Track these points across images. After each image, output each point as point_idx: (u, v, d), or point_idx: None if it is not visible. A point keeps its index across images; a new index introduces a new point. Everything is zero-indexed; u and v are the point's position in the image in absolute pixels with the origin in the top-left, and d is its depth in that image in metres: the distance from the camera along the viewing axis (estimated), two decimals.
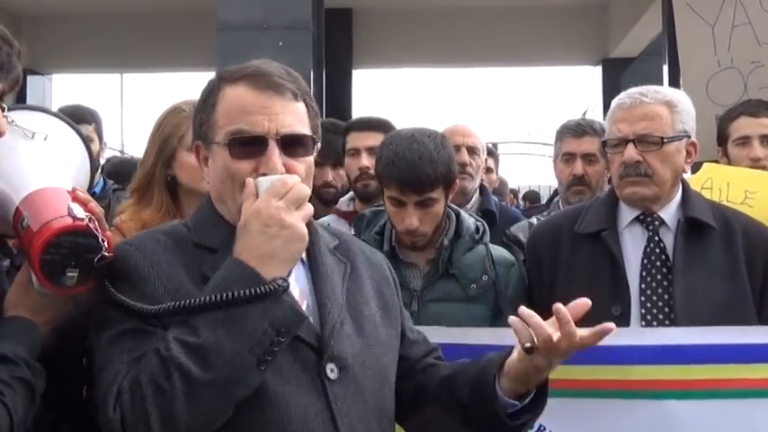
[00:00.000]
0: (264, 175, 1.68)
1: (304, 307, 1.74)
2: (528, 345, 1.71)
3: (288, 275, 1.62)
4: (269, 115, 1.71)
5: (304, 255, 1.79)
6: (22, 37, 11.23)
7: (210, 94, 1.80)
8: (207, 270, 1.66)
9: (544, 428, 2.40)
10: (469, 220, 2.81)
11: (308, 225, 1.72)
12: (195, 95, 2.83)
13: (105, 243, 1.66)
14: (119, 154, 10.48)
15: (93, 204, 1.78)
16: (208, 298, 1.56)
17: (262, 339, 1.56)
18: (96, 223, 1.68)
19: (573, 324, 1.71)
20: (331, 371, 1.70)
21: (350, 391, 1.71)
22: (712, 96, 2.90)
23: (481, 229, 2.81)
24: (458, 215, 2.79)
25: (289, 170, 1.70)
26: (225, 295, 1.55)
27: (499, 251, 2.82)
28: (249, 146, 1.70)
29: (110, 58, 11.85)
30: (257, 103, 1.72)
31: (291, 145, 1.72)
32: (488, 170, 5.59)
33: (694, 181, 3.00)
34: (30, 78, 11.78)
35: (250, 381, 1.58)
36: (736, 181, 3.09)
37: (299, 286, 1.76)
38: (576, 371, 2.38)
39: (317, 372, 1.70)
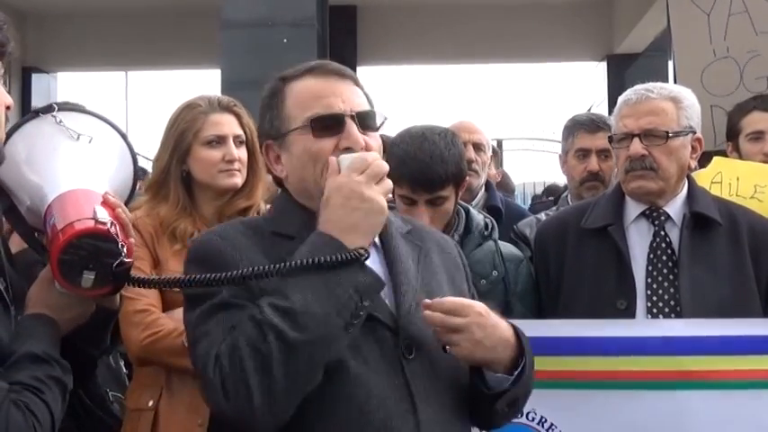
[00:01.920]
0: (347, 150, 1.78)
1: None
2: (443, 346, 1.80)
3: (368, 247, 1.71)
4: (340, 96, 1.83)
5: (378, 240, 1.87)
6: (27, 35, 11.26)
7: (274, 94, 1.89)
8: (285, 254, 1.71)
9: (545, 420, 2.41)
10: (478, 217, 2.82)
11: None
12: (201, 93, 2.88)
13: (125, 249, 1.68)
14: None
15: (121, 210, 1.79)
16: (299, 261, 1.63)
17: (347, 303, 1.63)
18: (118, 228, 1.69)
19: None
20: (407, 350, 1.77)
21: (425, 369, 1.78)
22: (707, 86, 2.83)
23: (490, 226, 2.83)
24: (467, 212, 2.80)
25: (366, 144, 1.80)
26: (316, 259, 1.62)
27: (508, 247, 2.83)
28: (329, 125, 1.81)
29: (114, 55, 11.87)
30: (327, 88, 1.84)
31: (365, 121, 1.84)
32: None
33: (704, 176, 2.99)
34: (34, 76, 11.81)
35: (339, 343, 1.66)
36: (745, 175, 3.08)
37: (374, 269, 1.83)
38: (585, 362, 2.42)
39: (395, 351, 1.76)
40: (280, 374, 1.59)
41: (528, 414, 2.40)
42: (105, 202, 1.77)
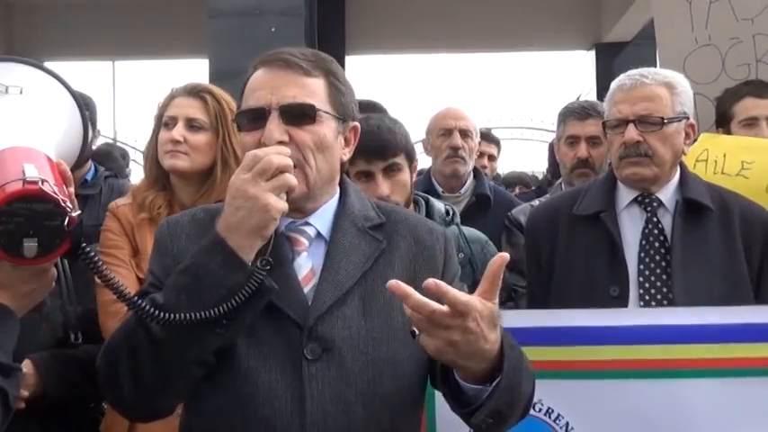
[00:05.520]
0: (264, 145, 1.73)
1: (311, 285, 1.77)
2: (411, 329, 1.59)
3: (268, 251, 1.66)
4: (272, 89, 1.76)
5: (327, 234, 1.82)
6: (14, 25, 11.19)
7: (243, 85, 1.87)
8: None
9: (552, 410, 2.41)
10: (439, 204, 2.86)
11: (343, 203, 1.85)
12: (189, 82, 2.88)
13: (67, 204, 1.46)
14: (111, 141, 10.44)
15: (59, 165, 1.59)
16: (178, 316, 1.59)
17: (220, 306, 1.60)
18: (52, 186, 1.46)
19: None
20: (311, 351, 1.71)
21: (330, 372, 1.72)
22: (690, 74, 2.81)
23: (451, 212, 2.87)
24: (427, 201, 2.84)
25: (293, 138, 1.74)
26: (209, 313, 1.59)
27: (471, 231, 2.87)
28: (254, 119, 1.77)
29: (102, 45, 11.81)
30: (264, 80, 1.79)
31: (293, 114, 1.76)
32: (491, 157, 5.59)
33: (689, 154, 2.98)
34: None
35: (206, 342, 1.65)
36: (732, 151, 3.06)
37: (312, 264, 1.80)
38: (582, 352, 2.40)
39: (298, 350, 1.72)
40: (147, 369, 1.63)
41: (535, 405, 2.38)
42: (38, 158, 1.55)
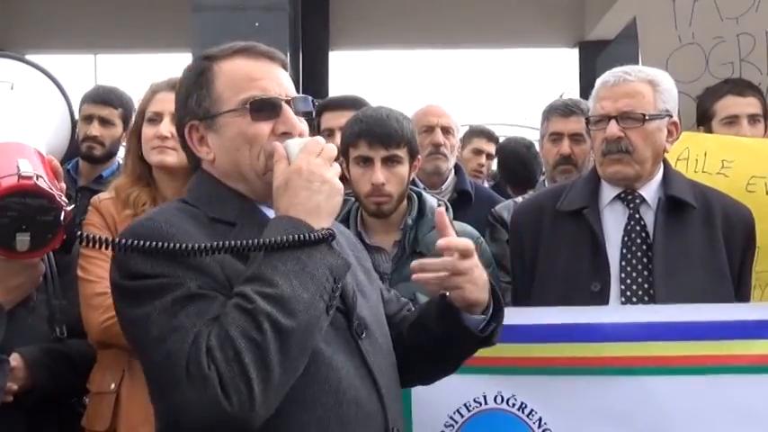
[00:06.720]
0: (285, 134, 1.75)
1: None
2: (441, 293, 1.83)
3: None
4: (274, 80, 1.81)
5: None
6: None
7: (202, 74, 1.83)
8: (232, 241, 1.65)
9: (525, 405, 2.43)
10: (432, 200, 2.86)
11: None
12: (171, 77, 2.87)
13: (62, 198, 1.48)
14: None
15: (49, 159, 1.62)
16: (277, 239, 1.58)
17: (326, 286, 1.62)
18: (46, 181, 1.49)
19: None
20: (358, 330, 1.79)
21: (374, 347, 1.82)
22: (673, 73, 2.82)
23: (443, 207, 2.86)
24: (419, 195, 2.84)
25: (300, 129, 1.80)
26: (295, 237, 1.59)
27: (463, 226, 2.85)
28: (266, 109, 1.78)
29: (84, 38, 11.72)
30: (259, 71, 1.81)
31: (299, 106, 1.82)
32: (489, 156, 5.59)
33: (670, 152, 3.00)
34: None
35: (322, 326, 1.64)
36: (713, 150, 3.08)
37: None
38: (557, 349, 2.43)
39: (349, 332, 1.78)
40: (276, 364, 1.53)
41: (508, 400, 2.43)
42: (31, 153, 1.57)
